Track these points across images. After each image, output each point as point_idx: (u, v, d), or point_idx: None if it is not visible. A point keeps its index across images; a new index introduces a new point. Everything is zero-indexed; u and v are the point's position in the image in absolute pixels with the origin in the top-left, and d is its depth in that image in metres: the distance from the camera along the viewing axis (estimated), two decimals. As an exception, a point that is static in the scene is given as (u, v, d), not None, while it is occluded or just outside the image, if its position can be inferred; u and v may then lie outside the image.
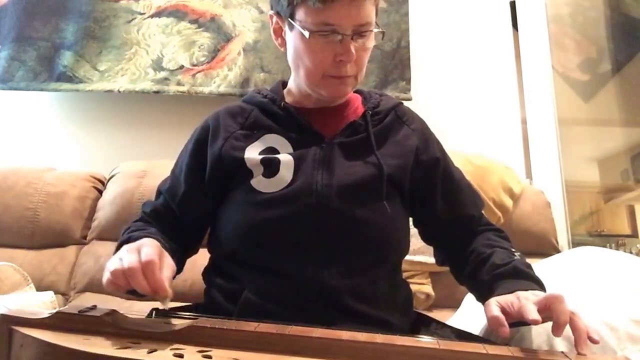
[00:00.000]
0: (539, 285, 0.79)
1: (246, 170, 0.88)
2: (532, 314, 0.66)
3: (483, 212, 1.02)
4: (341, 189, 0.85)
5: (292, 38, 0.90)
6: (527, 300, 0.70)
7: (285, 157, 0.88)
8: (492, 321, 0.70)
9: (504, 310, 0.70)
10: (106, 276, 0.70)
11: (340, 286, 0.81)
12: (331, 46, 0.85)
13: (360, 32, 0.86)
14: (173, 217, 0.94)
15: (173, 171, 0.99)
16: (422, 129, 0.99)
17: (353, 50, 0.85)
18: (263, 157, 0.88)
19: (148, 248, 0.71)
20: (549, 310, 0.67)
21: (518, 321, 0.71)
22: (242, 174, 0.89)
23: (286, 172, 0.87)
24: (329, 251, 0.83)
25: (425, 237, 1.03)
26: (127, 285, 0.68)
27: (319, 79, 0.89)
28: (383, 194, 0.87)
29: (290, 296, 0.81)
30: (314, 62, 0.88)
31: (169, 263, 0.73)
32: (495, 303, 0.72)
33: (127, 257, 0.69)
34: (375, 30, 0.88)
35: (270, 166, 0.87)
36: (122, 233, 0.91)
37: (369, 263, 0.85)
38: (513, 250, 0.89)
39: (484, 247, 0.90)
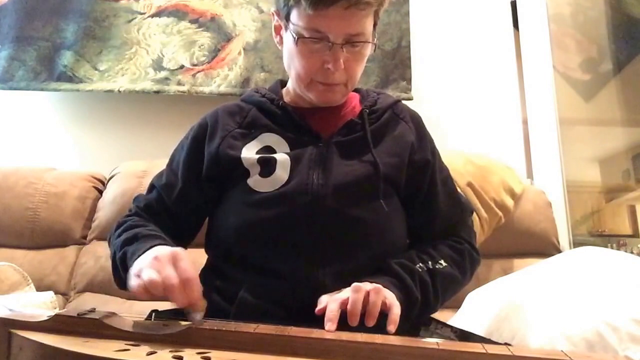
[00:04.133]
0: (399, 280, 0.82)
1: (243, 170, 0.88)
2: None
3: (468, 217, 1.02)
4: (337, 188, 0.85)
5: (286, 38, 0.90)
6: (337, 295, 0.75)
7: (282, 157, 0.88)
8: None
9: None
10: (136, 282, 0.69)
11: (336, 286, 0.81)
12: (320, 53, 0.85)
13: (351, 41, 0.85)
14: (166, 213, 0.94)
15: (169, 167, 0.99)
16: (418, 127, 0.99)
17: (342, 60, 0.85)
18: (260, 157, 0.88)
19: (184, 262, 0.70)
20: None
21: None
22: (239, 173, 0.89)
23: (282, 172, 0.86)
24: (325, 251, 0.83)
25: None
26: (161, 296, 0.68)
27: (307, 83, 0.90)
28: (380, 193, 0.87)
29: (286, 296, 0.81)
30: (303, 66, 0.88)
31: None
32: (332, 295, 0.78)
33: (165, 269, 0.68)
34: (370, 42, 0.88)
35: (267, 165, 0.87)
36: (117, 227, 0.91)
37: (365, 262, 0.85)
38: (436, 258, 0.89)
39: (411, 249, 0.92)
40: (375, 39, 0.90)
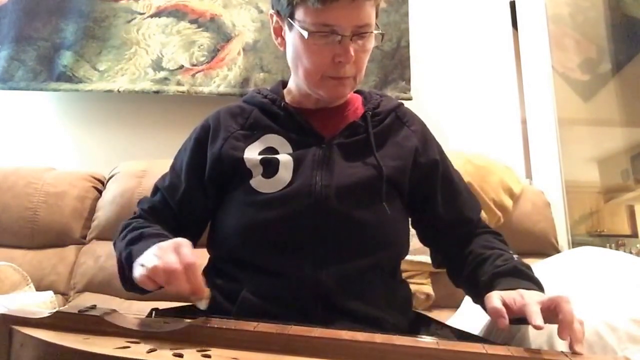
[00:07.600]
0: (539, 287, 0.79)
1: (245, 170, 0.88)
2: (536, 318, 0.65)
3: (480, 215, 1.02)
4: (340, 189, 0.85)
5: (291, 38, 0.90)
6: (531, 300, 0.69)
7: (285, 158, 0.88)
8: (492, 311, 0.69)
9: (505, 304, 0.70)
10: (140, 271, 0.70)
11: (338, 286, 0.81)
12: (330, 47, 0.85)
13: (359, 33, 0.85)
14: (171, 214, 0.94)
15: (172, 168, 0.99)
16: (422, 131, 0.99)
17: (352, 52, 0.85)
18: (262, 157, 0.88)
19: (187, 248, 0.70)
20: (552, 312, 0.67)
21: (518, 318, 0.70)
22: (242, 174, 0.88)
23: (285, 173, 0.86)
24: (327, 252, 0.83)
25: (423, 239, 1.02)
26: (164, 283, 0.68)
27: (318, 80, 0.89)
28: (382, 195, 0.87)
29: (288, 296, 0.81)
30: (313, 63, 0.87)
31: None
32: (497, 295, 0.72)
33: (167, 256, 0.68)
34: (375, 32, 0.88)
35: (270, 166, 0.87)
36: (122, 229, 0.90)
37: (367, 264, 0.85)
38: (511, 252, 0.89)
39: (482, 249, 0.90)
40: (380, 30, 0.90)
